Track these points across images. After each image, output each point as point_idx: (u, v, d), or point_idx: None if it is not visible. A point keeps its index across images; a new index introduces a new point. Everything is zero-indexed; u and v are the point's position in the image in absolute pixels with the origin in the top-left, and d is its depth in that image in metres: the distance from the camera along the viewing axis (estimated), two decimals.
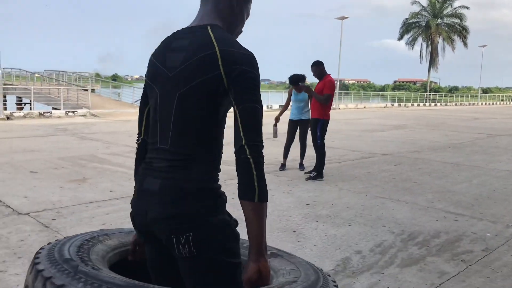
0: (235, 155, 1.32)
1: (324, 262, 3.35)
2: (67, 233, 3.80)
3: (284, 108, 7.15)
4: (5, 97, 23.87)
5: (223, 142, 1.45)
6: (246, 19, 1.54)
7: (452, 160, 8.43)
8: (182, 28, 1.45)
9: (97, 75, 55.42)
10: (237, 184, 1.32)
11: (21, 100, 25.27)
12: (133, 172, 1.59)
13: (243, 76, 1.32)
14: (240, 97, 1.32)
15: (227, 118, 1.45)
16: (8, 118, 15.11)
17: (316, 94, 6.20)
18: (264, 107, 19.60)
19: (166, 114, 1.39)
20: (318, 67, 6.22)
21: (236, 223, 1.42)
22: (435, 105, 40.98)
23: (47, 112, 16.69)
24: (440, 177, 6.75)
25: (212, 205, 1.35)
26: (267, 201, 1.32)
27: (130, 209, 1.48)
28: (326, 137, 6.36)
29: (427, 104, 40.55)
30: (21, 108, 23.25)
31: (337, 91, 29.61)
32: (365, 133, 12.97)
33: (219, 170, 1.42)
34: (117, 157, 7.70)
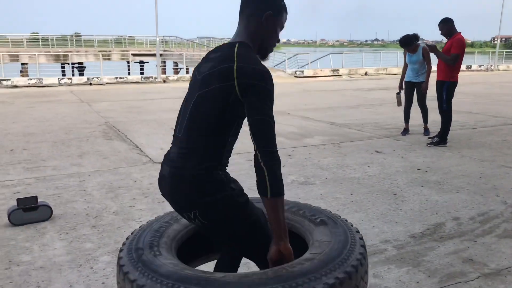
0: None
1: (414, 225, 3.33)
2: None
3: (403, 72, 6.83)
4: (164, 62, 26.77)
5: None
6: (280, 31, 1.73)
7: None
8: (223, 44, 1.72)
9: None
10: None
11: (177, 65, 28.09)
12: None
13: (253, 89, 1.54)
14: (250, 109, 1.55)
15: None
16: (164, 81, 17.06)
17: (442, 54, 5.79)
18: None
19: (186, 109, 1.69)
20: (446, 25, 5.77)
21: (239, 192, 1.68)
22: None
23: None
24: None
25: (207, 188, 1.59)
26: (280, 196, 1.53)
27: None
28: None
29: None
30: (177, 73, 25.86)
31: (496, 50, 26.30)
32: None
33: (219, 164, 1.63)
34: None
